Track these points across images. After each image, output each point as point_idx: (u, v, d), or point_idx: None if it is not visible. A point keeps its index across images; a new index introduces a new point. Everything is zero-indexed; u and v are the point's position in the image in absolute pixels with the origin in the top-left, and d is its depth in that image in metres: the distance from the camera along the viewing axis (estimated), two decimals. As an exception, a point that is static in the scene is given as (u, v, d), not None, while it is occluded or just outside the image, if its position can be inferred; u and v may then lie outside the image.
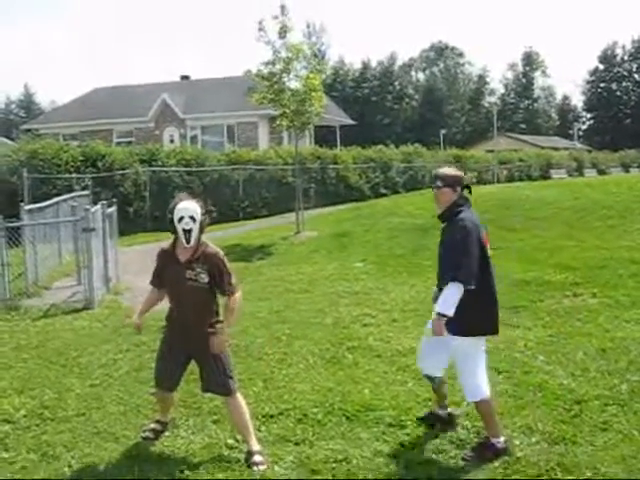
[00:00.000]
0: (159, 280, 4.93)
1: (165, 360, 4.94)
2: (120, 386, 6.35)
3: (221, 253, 4.85)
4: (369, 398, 5.73)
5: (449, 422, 5.15)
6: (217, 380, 4.79)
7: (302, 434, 5.10)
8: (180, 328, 4.83)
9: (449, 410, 5.21)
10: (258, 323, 8.63)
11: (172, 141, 35.06)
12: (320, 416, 5.42)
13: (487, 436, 4.76)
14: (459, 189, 4.85)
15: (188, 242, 4.69)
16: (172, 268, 4.79)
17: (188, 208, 4.69)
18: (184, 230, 4.66)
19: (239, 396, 4.89)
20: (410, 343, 7.31)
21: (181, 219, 4.64)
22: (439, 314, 4.61)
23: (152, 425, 5.14)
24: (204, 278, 4.75)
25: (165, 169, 21.86)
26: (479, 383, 4.75)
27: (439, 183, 4.85)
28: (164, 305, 5.02)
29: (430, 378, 5.13)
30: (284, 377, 6.44)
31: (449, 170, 4.98)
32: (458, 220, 4.74)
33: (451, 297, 4.57)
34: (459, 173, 4.96)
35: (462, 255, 4.59)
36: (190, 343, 4.82)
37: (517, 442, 4.83)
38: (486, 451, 4.67)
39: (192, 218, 4.67)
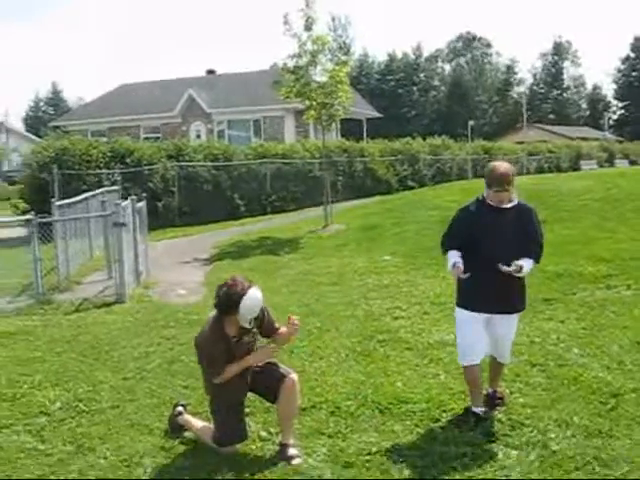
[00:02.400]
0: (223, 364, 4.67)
1: (239, 415, 4.82)
2: (153, 379, 6.38)
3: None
4: (401, 391, 5.69)
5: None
6: (277, 370, 4.79)
7: (335, 427, 5.08)
8: (244, 379, 4.78)
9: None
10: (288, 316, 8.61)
11: (199, 136, 35.25)
12: (353, 409, 5.40)
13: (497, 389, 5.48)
14: None
15: (250, 324, 4.64)
16: (229, 345, 4.66)
17: (257, 300, 4.56)
18: (254, 319, 4.63)
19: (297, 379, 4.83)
20: (442, 336, 7.27)
21: (253, 310, 4.56)
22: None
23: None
24: (256, 333, 4.82)
25: (193, 164, 21.92)
26: None
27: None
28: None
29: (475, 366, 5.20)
30: (316, 370, 6.43)
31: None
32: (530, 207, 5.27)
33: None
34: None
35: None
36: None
37: (552, 435, 4.77)
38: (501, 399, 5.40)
39: (260, 305, 4.62)
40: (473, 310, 5.13)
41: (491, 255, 4.98)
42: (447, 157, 33.79)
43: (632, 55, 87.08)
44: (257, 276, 11.73)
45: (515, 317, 5.28)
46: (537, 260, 5.12)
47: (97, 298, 10.24)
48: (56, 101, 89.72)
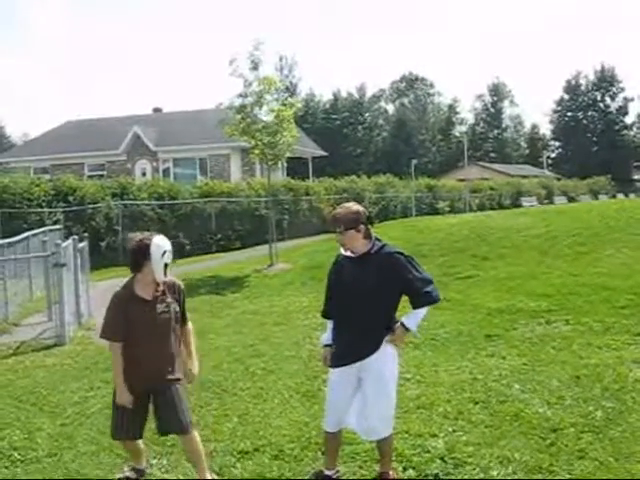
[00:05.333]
0: (122, 328, 4.62)
1: (127, 410, 4.67)
2: (92, 425, 6.23)
3: (178, 280, 4.86)
4: (345, 432, 5.66)
5: None
6: (175, 418, 4.59)
7: (278, 470, 5.02)
8: (144, 369, 4.63)
9: None
10: (232, 358, 8.54)
11: (144, 174, 34.94)
12: (297, 451, 5.35)
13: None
14: (362, 226, 4.64)
15: (165, 275, 4.63)
16: (139, 308, 4.60)
17: (167, 242, 4.65)
18: (166, 264, 4.60)
19: (195, 433, 4.74)
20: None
21: (164, 253, 4.57)
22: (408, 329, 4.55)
23: (127, 473, 4.95)
24: (176, 307, 4.73)
25: (137, 202, 21.76)
26: None
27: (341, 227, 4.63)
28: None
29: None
30: (259, 412, 6.36)
31: (348, 209, 4.75)
32: (394, 252, 4.63)
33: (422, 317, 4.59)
34: (360, 209, 4.75)
35: (426, 275, 4.58)
36: (153, 380, 4.64)
37: (494, 473, 4.81)
38: None
39: (171, 252, 4.65)
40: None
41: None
42: (391, 195, 34.21)
43: (566, 97, 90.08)
44: (201, 316, 11.63)
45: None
46: (436, 301, 4.56)
47: (36, 341, 9.99)
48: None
